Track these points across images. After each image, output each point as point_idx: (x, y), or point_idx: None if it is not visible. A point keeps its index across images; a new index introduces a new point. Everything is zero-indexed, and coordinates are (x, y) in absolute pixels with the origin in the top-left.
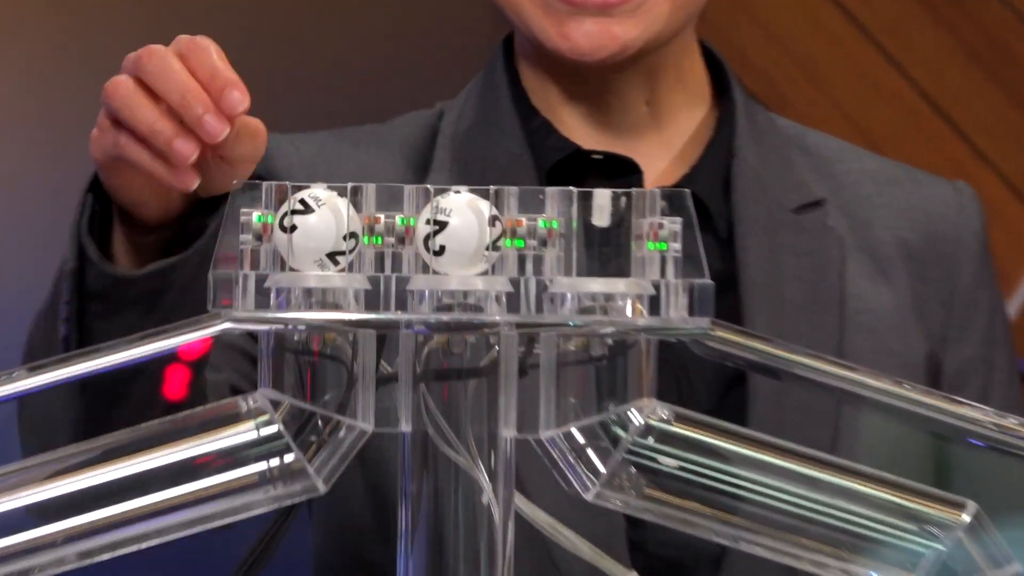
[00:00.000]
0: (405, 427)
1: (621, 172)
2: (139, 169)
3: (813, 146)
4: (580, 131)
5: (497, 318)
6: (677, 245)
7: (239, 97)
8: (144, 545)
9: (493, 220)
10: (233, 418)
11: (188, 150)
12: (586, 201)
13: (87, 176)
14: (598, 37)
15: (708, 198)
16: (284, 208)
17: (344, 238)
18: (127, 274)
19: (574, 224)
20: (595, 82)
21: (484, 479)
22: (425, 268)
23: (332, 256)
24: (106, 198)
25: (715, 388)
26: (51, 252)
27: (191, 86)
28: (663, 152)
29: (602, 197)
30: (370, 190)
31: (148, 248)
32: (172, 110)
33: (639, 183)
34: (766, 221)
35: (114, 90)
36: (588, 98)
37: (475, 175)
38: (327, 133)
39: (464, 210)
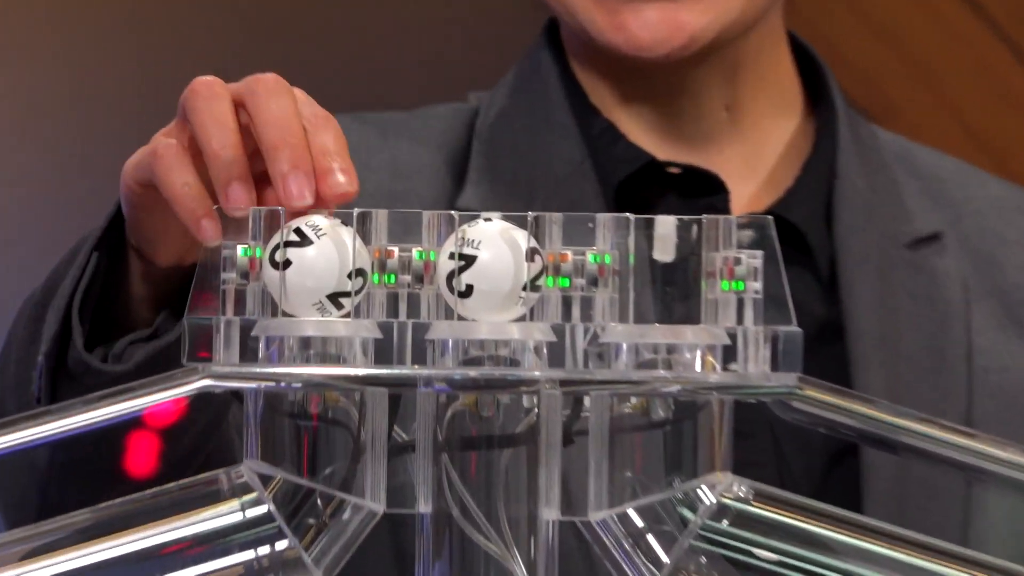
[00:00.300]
0: (424, 507)
1: (703, 191)
2: (164, 190)
3: (924, 166)
4: (646, 141)
5: (537, 374)
6: (757, 284)
7: (345, 182)
8: None
9: (532, 254)
10: (213, 496)
11: (242, 199)
12: (646, 230)
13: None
14: (661, 27)
15: (807, 228)
16: (276, 239)
17: (349, 276)
18: (108, 369)
19: (631, 259)
20: (661, 83)
21: (520, 571)
22: (449, 313)
23: (335, 298)
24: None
25: (820, 459)
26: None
27: (298, 137)
28: (748, 170)
29: (665, 225)
30: (381, 217)
31: (163, 281)
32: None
33: (724, 205)
34: (877, 258)
35: (203, 87)
36: (653, 102)
37: (521, 188)
38: (348, 116)
39: (496, 241)
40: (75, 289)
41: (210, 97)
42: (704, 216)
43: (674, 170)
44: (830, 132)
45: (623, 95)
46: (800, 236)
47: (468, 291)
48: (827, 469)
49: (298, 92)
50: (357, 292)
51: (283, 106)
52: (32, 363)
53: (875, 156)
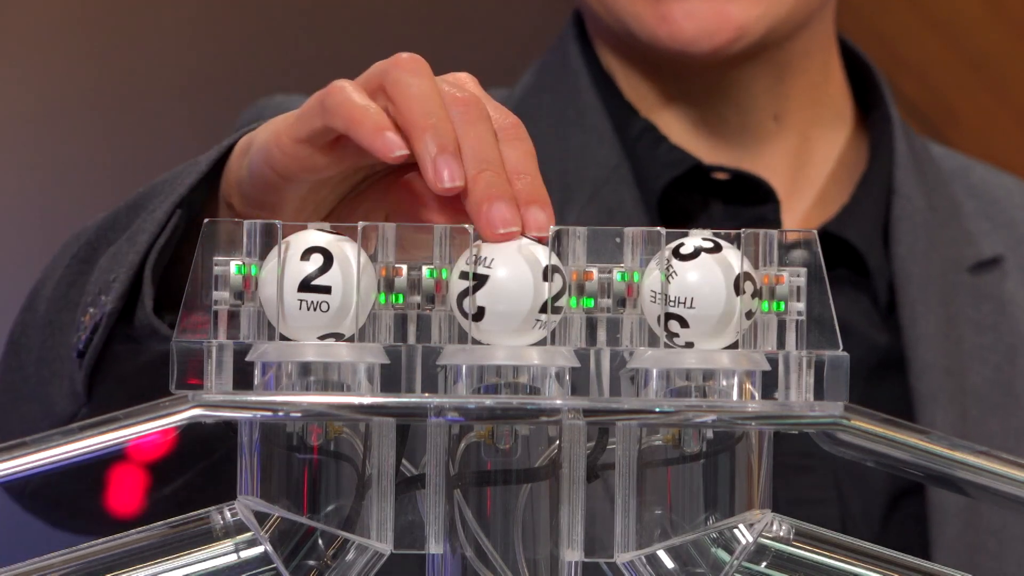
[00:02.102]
0: (435, 548)
1: (752, 199)
2: (340, 115)
3: (980, 184)
4: (688, 145)
5: (558, 403)
6: (800, 305)
7: (544, 220)
8: None
9: (552, 271)
10: (204, 536)
11: (456, 172)
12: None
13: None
14: (707, 19)
15: (866, 249)
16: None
17: (304, 256)
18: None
19: (663, 277)
20: (704, 85)
21: None
22: (462, 336)
23: (306, 287)
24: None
25: (883, 496)
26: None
27: (497, 165)
28: (797, 184)
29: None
30: (388, 231)
31: None
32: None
33: (775, 215)
34: (940, 284)
35: (410, 63)
36: (696, 105)
37: (552, 195)
38: None
39: (513, 258)
40: (150, 246)
41: (416, 73)
42: (743, 230)
43: (722, 175)
44: (886, 145)
45: (664, 95)
46: (858, 257)
47: (481, 313)
48: (890, 508)
49: (484, 98)
50: (322, 271)
51: (483, 131)
52: (69, 306)
53: (933, 172)
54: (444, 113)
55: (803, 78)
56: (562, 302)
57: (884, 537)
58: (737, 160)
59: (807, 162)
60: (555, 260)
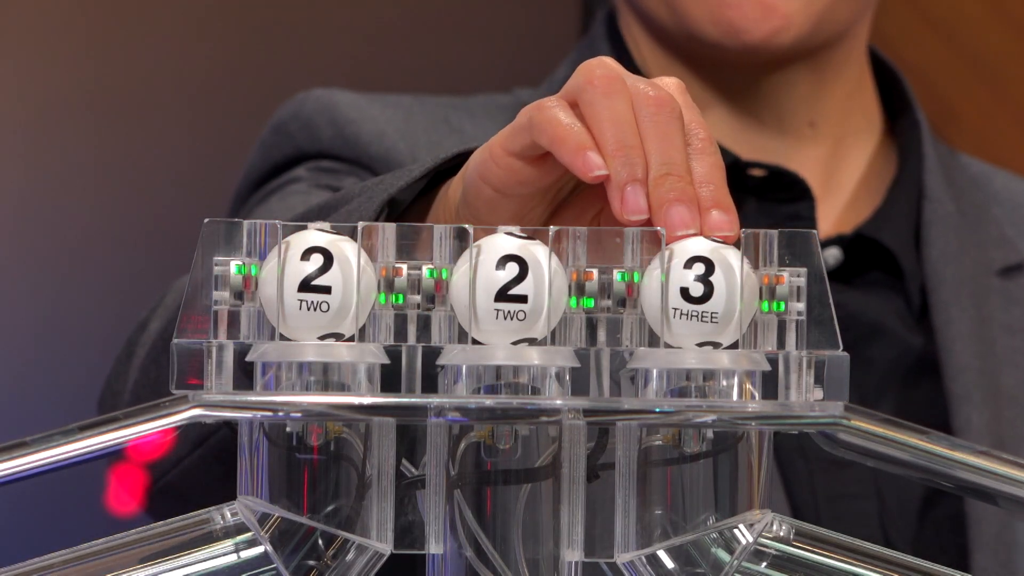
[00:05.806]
0: (435, 548)
1: (786, 197)
2: (546, 132)
3: (1003, 191)
4: (723, 143)
5: (559, 403)
6: (800, 305)
7: (722, 219)
8: None
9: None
10: (204, 537)
11: (640, 204)
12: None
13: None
14: (755, 8)
15: (900, 252)
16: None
17: (305, 256)
18: None
19: (662, 277)
20: (741, 85)
21: None
22: (462, 336)
23: (306, 288)
24: None
25: (915, 496)
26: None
27: (683, 167)
28: (830, 188)
29: (697, 243)
30: (388, 231)
31: None
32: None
33: (810, 212)
34: (971, 286)
35: (603, 83)
36: (734, 106)
37: None
38: (409, 98)
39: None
40: None
41: (609, 93)
42: (742, 231)
43: (758, 172)
44: (915, 151)
45: (704, 94)
46: (891, 260)
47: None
48: (925, 506)
49: (684, 104)
50: (322, 271)
51: (672, 133)
52: None
53: (960, 177)
54: (635, 139)
55: (840, 86)
56: (563, 302)
57: (921, 534)
58: (775, 159)
59: (839, 168)
60: (556, 259)
